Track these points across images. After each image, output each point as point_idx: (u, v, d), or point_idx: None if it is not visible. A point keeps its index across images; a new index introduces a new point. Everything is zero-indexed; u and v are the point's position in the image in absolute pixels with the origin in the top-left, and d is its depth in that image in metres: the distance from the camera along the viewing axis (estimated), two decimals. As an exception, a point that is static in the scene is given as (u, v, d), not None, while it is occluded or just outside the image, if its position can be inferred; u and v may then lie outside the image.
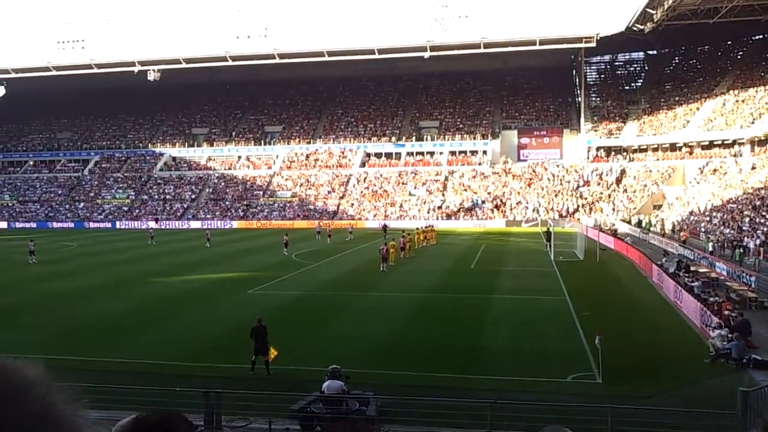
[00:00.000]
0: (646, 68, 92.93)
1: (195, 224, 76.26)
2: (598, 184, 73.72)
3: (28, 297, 29.05)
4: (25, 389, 0.65)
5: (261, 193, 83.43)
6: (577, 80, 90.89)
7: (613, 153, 78.56)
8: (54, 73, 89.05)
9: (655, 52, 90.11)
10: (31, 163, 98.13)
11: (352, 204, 77.70)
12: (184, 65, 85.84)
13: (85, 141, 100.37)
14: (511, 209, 72.42)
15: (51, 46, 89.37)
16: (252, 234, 64.05)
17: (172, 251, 47.89)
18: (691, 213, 54.84)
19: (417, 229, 51.11)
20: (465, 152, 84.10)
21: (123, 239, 59.58)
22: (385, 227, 59.70)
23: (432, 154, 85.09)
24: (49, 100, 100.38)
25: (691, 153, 71.05)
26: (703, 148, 70.65)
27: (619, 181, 73.18)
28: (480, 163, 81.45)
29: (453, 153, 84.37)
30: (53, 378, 0.69)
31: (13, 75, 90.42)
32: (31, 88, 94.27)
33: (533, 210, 71.17)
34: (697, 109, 74.42)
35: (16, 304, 27.55)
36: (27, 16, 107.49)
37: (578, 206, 70.31)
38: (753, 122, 64.30)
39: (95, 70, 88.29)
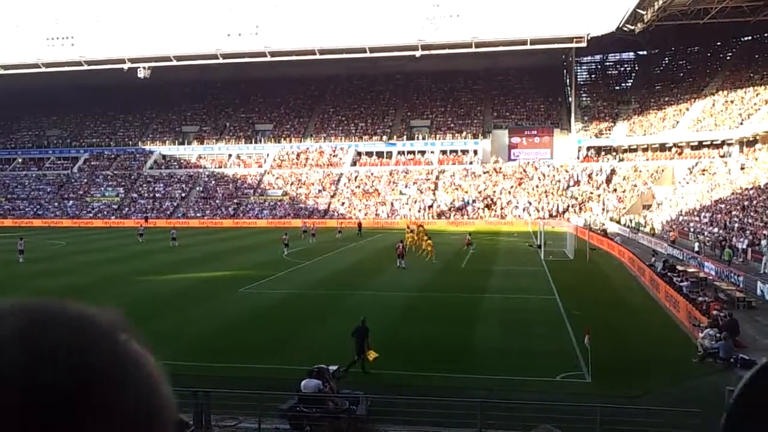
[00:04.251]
0: (637, 68, 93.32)
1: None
2: (588, 183, 73.99)
3: (16, 295, 28.82)
4: (98, 330, 0.70)
5: (251, 191, 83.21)
6: (568, 80, 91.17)
7: (603, 153, 78.87)
8: (43, 69, 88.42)
9: (645, 52, 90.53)
10: (20, 160, 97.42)
11: (343, 203, 77.63)
12: (174, 63, 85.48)
13: (75, 138, 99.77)
14: (501, 208, 72.58)
15: (40, 43, 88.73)
16: (242, 233, 63.85)
17: (161, 249, 47.66)
18: (680, 213, 55.13)
19: (409, 229, 48.32)
20: (456, 151, 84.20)
21: (112, 237, 59.26)
22: (359, 225, 60.41)
23: (423, 153, 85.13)
24: (38, 97, 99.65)
25: (680, 153, 71.43)
26: (693, 148, 71.05)
27: (608, 180, 73.47)
28: (471, 163, 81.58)
29: (444, 152, 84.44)
30: (123, 321, 0.74)
31: (2, 72, 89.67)
32: (20, 85, 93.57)
33: (523, 209, 71.38)
34: (687, 109, 74.84)
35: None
36: (16, 12, 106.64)
37: (568, 206, 70.55)
38: (741, 123, 64.73)
39: (85, 67, 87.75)
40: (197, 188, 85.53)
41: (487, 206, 73.13)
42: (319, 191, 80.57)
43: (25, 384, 0.61)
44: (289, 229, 52.58)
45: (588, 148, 79.72)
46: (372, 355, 16.75)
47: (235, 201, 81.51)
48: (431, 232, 46.76)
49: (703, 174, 63.77)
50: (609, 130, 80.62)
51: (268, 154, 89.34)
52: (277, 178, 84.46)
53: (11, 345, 0.64)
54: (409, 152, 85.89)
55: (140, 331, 0.67)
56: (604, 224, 61.77)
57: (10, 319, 0.67)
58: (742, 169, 57.68)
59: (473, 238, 47.44)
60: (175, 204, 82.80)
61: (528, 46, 78.26)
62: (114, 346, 0.69)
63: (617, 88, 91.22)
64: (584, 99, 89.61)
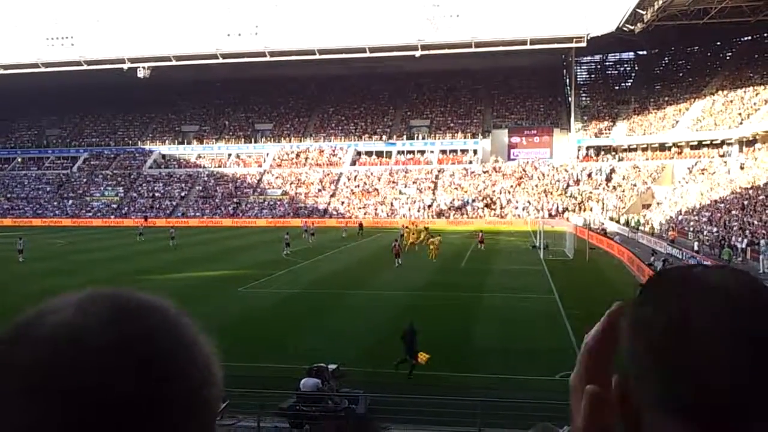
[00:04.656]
0: (636, 68, 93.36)
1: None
2: (588, 183, 73.99)
3: (14, 297, 28.79)
4: (165, 310, 0.77)
5: (251, 191, 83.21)
6: (568, 80, 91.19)
7: (602, 152, 78.86)
8: (43, 69, 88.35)
9: (645, 52, 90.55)
10: (20, 160, 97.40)
11: (343, 202, 77.63)
12: (174, 62, 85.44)
13: (74, 138, 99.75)
14: (501, 208, 72.58)
15: (40, 43, 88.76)
16: (242, 232, 63.84)
17: (160, 249, 47.64)
18: (679, 212, 55.14)
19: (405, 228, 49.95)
20: (455, 151, 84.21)
21: (112, 237, 59.23)
22: (360, 225, 60.40)
23: (422, 152, 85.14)
24: (38, 97, 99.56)
25: (680, 153, 71.45)
26: (692, 148, 71.08)
27: (608, 180, 73.47)
28: (470, 162, 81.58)
29: (443, 152, 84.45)
30: (178, 306, 0.80)
31: (2, 71, 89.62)
32: (20, 84, 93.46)
33: (523, 209, 71.39)
34: (686, 109, 74.86)
35: (2, 303, 27.29)
36: (16, 12, 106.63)
37: (567, 205, 70.54)
38: (741, 123, 64.75)
39: (85, 67, 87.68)
40: (197, 188, 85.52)
41: (487, 206, 73.12)
42: (319, 191, 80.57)
43: (111, 368, 0.67)
44: (289, 228, 52.62)
45: (588, 148, 79.73)
46: (423, 357, 16.60)
47: (234, 200, 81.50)
48: (433, 231, 47.20)
49: (703, 174, 63.80)
50: (609, 129, 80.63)
51: (267, 154, 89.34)
52: (276, 177, 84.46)
53: (97, 333, 0.69)
54: (409, 152, 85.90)
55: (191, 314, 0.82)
56: (603, 224, 61.76)
57: (91, 308, 0.72)
58: (742, 168, 57.73)
59: (473, 237, 47.41)
60: (174, 203, 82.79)
61: (528, 46, 78.25)
62: (184, 330, 0.77)
63: (617, 87, 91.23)
64: (584, 99, 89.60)
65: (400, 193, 77.79)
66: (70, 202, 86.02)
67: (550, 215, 67.58)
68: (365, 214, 73.53)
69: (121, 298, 0.75)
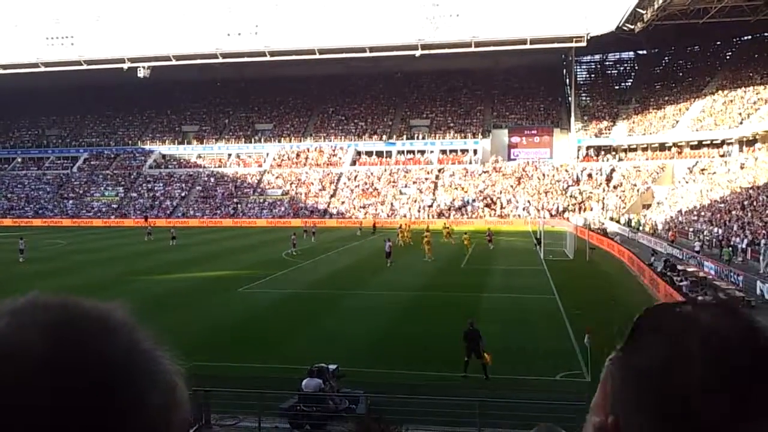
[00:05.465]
0: (636, 68, 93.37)
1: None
2: (588, 183, 73.98)
3: (18, 295, 28.78)
4: (116, 326, 0.69)
5: (251, 191, 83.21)
6: (568, 80, 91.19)
7: (602, 152, 78.85)
8: (43, 69, 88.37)
9: (645, 51, 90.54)
10: (20, 160, 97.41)
11: (343, 202, 77.63)
12: (174, 62, 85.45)
13: (74, 138, 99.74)
14: (501, 208, 72.56)
15: (40, 43, 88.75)
16: (242, 232, 63.83)
17: (161, 249, 47.64)
18: (679, 212, 55.14)
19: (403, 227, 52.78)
20: (455, 151, 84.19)
21: (112, 237, 59.24)
22: (374, 225, 62.09)
23: (423, 152, 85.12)
24: (38, 97, 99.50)
25: (680, 153, 71.45)
26: (692, 147, 71.09)
27: (608, 180, 73.46)
28: (470, 162, 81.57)
29: (444, 152, 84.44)
30: (135, 318, 0.72)
31: (2, 71, 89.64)
32: (20, 84, 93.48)
33: (523, 209, 71.37)
34: (687, 109, 74.85)
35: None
36: (16, 12, 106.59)
37: (568, 205, 70.54)
38: (741, 122, 64.76)
39: (84, 67, 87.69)
40: (197, 188, 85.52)
41: (487, 206, 73.12)
42: (319, 191, 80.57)
43: (54, 385, 0.60)
44: (291, 229, 52.97)
45: (588, 148, 79.72)
46: (488, 356, 16.33)
47: (234, 200, 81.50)
48: (433, 230, 47.57)
49: (703, 173, 63.78)
50: (609, 129, 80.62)
51: (267, 154, 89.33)
52: (276, 177, 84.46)
53: (37, 346, 0.62)
54: (409, 152, 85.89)
55: (149, 326, 0.73)
56: (603, 224, 61.76)
57: (31, 319, 0.65)
58: (742, 168, 57.71)
59: (471, 237, 47.44)
60: (174, 203, 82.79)
61: (528, 46, 78.25)
62: (134, 344, 0.69)
63: (617, 87, 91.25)
64: (584, 98, 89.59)
65: (401, 193, 77.78)
66: (70, 202, 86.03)
67: (551, 215, 67.60)
68: (365, 214, 73.50)
69: (65, 307, 0.67)
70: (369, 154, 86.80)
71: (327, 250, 45.91)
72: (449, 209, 73.45)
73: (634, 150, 76.62)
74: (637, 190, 68.24)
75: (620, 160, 76.40)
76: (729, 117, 67.26)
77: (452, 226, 55.79)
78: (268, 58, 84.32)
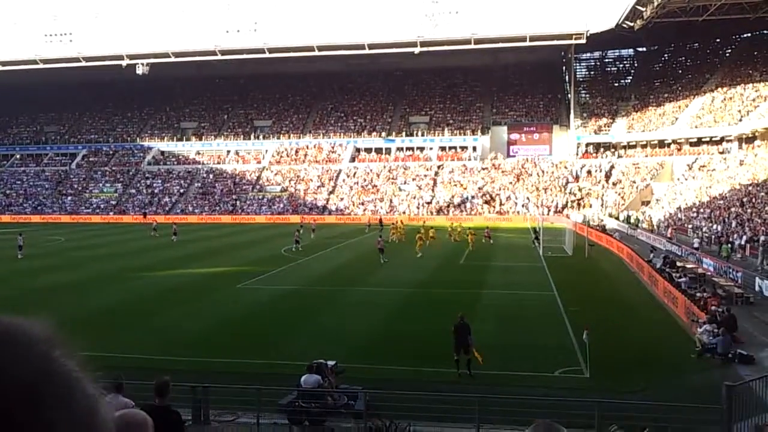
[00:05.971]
0: (636, 65, 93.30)
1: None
2: (587, 179, 73.98)
3: (14, 291, 28.81)
4: (29, 345, 0.65)
5: (250, 187, 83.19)
6: (567, 76, 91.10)
7: (602, 149, 78.83)
8: (41, 66, 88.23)
9: (644, 49, 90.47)
10: (18, 156, 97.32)
11: (342, 199, 77.61)
12: (173, 59, 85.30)
13: (73, 135, 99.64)
14: (500, 204, 72.56)
15: (38, 40, 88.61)
16: (241, 228, 63.80)
17: (160, 245, 47.62)
18: (678, 209, 55.15)
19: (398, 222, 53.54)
20: (455, 148, 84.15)
21: (111, 233, 59.22)
22: (380, 221, 62.48)
23: (422, 149, 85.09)
24: (37, 94, 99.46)
25: (679, 149, 71.45)
26: (692, 144, 71.08)
27: (608, 177, 73.46)
28: (470, 159, 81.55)
29: (443, 148, 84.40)
30: (58, 335, 0.68)
31: (0, 68, 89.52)
32: (18, 81, 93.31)
33: (522, 206, 71.37)
34: (686, 106, 74.83)
35: (2, 298, 27.31)
36: (14, 9, 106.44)
37: (567, 202, 70.55)
38: (740, 120, 64.76)
39: (83, 64, 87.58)
40: (196, 184, 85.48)
41: (486, 202, 73.13)
42: (318, 187, 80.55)
43: None
44: (291, 225, 52.97)
45: (587, 145, 79.68)
46: (478, 356, 16.30)
47: (233, 197, 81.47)
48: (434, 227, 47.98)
49: (702, 170, 63.80)
50: (608, 126, 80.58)
51: (266, 150, 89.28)
52: (275, 174, 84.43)
53: None
54: (408, 148, 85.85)
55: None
56: (602, 220, 61.77)
57: None
58: (741, 165, 57.72)
59: (474, 233, 47.46)
60: (173, 200, 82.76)
61: (527, 43, 78.22)
62: (49, 364, 0.65)
63: (616, 84, 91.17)
64: (583, 95, 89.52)
65: (400, 189, 77.76)
66: (69, 198, 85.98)
67: (550, 212, 67.60)
68: (365, 210, 73.52)
69: None
70: (368, 150, 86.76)
71: (326, 246, 45.92)
72: (448, 206, 73.44)
73: (634, 147, 76.61)
74: (636, 187, 68.25)
75: (619, 157, 76.38)
76: (728, 114, 67.26)
77: (459, 225, 54.61)
78: (267, 55, 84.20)
